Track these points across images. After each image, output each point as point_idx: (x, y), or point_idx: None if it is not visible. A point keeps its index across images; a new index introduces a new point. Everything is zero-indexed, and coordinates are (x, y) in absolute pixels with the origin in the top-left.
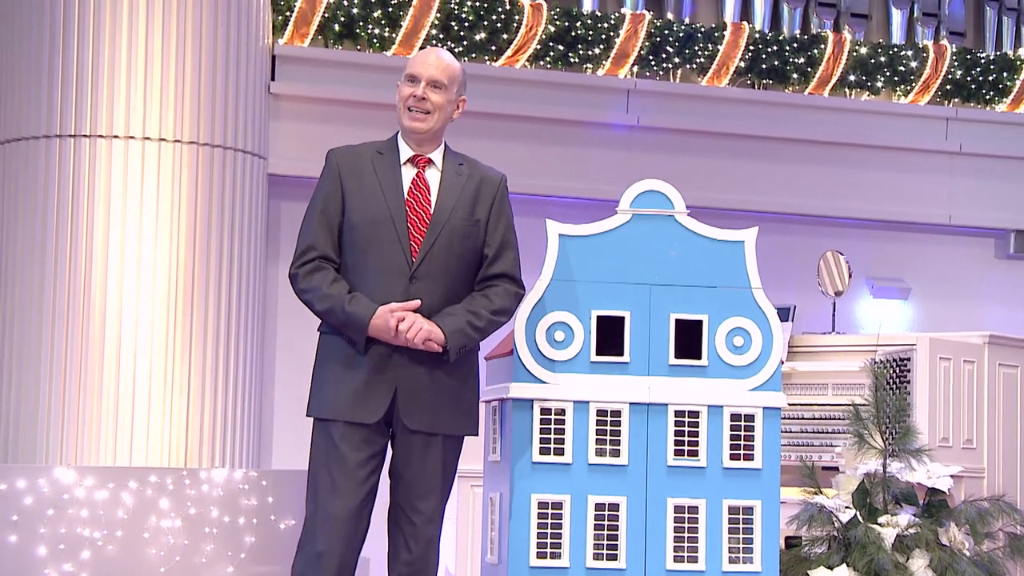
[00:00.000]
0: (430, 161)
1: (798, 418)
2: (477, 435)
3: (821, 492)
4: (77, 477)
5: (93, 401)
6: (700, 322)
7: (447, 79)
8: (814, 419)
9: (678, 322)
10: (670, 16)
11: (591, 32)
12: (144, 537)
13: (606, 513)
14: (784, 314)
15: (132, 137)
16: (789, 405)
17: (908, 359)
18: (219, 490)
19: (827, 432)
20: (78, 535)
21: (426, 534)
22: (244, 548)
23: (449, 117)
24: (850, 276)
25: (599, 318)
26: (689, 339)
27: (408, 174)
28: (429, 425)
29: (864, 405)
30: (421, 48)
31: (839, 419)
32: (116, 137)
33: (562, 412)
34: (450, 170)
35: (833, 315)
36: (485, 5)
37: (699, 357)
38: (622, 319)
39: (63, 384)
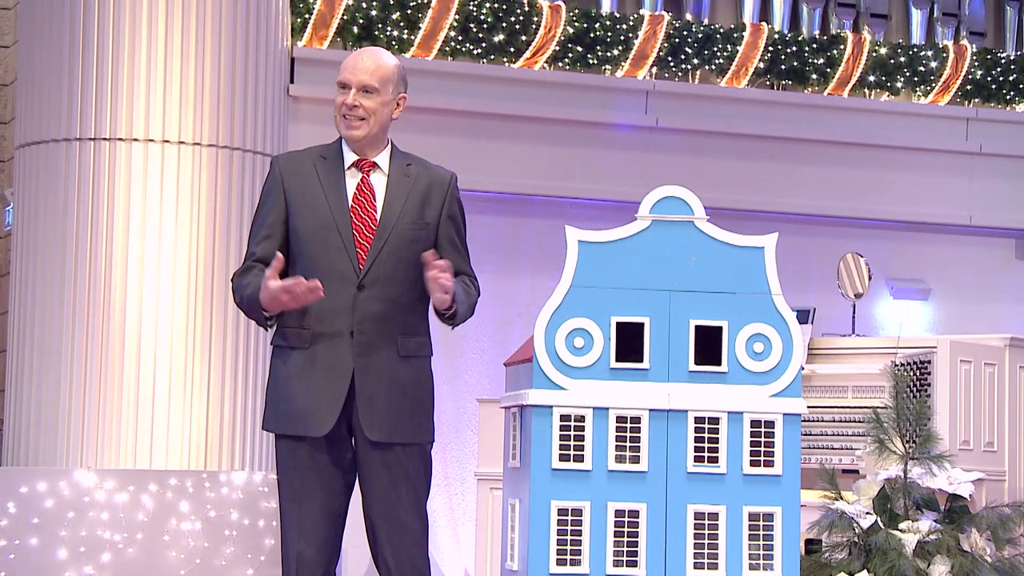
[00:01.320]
0: (375, 165)
1: (818, 420)
2: (433, 442)
3: (841, 497)
4: (97, 480)
5: (113, 404)
6: (720, 328)
7: (378, 82)
8: (834, 421)
9: (698, 328)
10: (689, 17)
11: (610, 33)
12: (164, 540)
13: (626, 520)
14: (804, 316)
15: (152, 140)
16: (809, 407)
17: (928, 362)
18: (239, 493)
19: (847, 435)
20: (98, 538)
21: (407, 542)
22: (264, 551)
23: (388, 118)
24: (870, 278)
25: (618, 324)
26: (709, 345)
27: (352, 180)
28: (388, 435)
29: (884, 408)
30: (440, 47)
31: (859, 422)
32: (136, 140)
33: (581, 419)
34: (397, 172)
35: (853, 317)
36: (504, 7)
37: (719, 363)
38: (642, 325)
39: (83, 387)
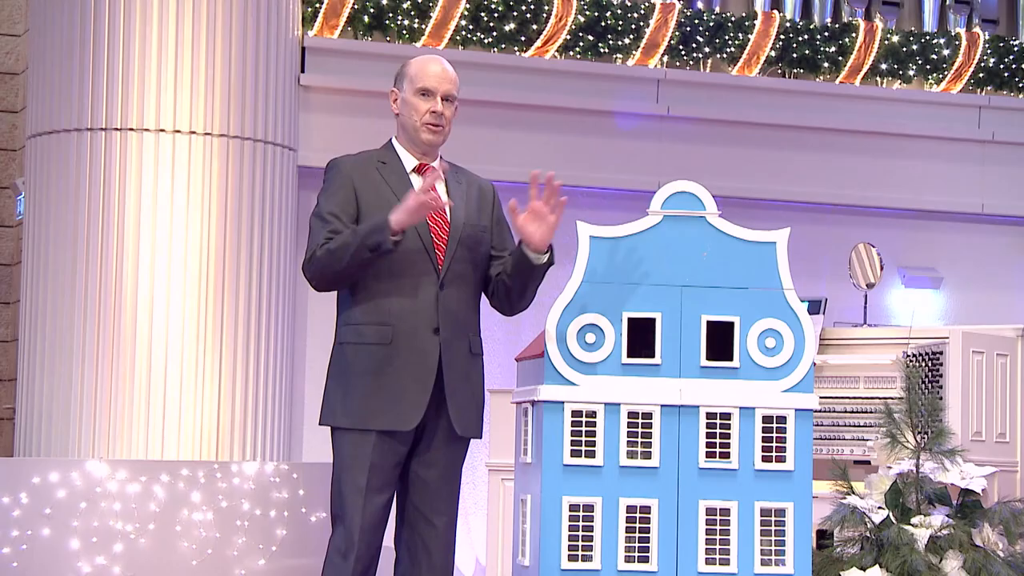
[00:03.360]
0: (433, 170)
1: (829, 411)
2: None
3: (853, 492)
4: (109, 470)
5: (125, 394)
6: (732, 324)
7: (456, 91)
8: (845, 412)
9: (710, 324)
10: (700, 5)
11: (621, 22)
12: (176, 530)
13: (637, 515)
14: (815, 306)
15: (163, 130)
16: (820, 398)
17: (941, 353)
18: (250, 483)
19: (859, 426)
20: (110, 528)
21: (447, 538)
22: (276, 541)
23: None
24: (882, 268)
25: (630, 320)
26: (721, 341)
27: (418, 183)
28: (465, 429)
29: (896, 399)
30: (451, 36)
31: (871, 412)
32: (147, 130)
33: (593, 414)
34: (451, 178)
35: (865, 307)
36: None
37: (731, 359)
38: (653, 321)
39: (95, 377)
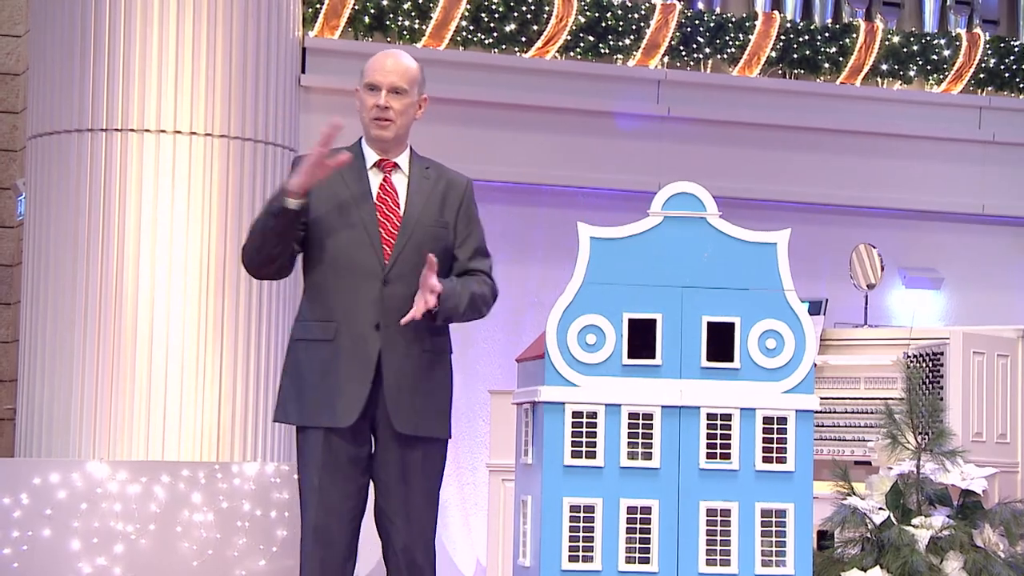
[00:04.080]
0: (396, 165)
1: (830, 412)
2: (450, 438)
3: (854, 493)
4: (110, 471)
5: (125, 395)
6: (732, 325)
7: (407, 83)
8: (846, 413)
9: (710, 325)
10: (701, 6)
11: (621, 23)
12: (177, 531)
13: (638, 516)
14: (816, 307)
15: (163, 131)
16: (821, 399)
17: (941, 353)
18: (251, 484)
19: (859, 426)
20: (111, 529)
21: (408, 539)
22: (276, 541)
23: (412, 119)
24: (882, 269)
25: (631, 321)
26: (721, 342)
27: (375, 178)
28: (414, 428)
29: (897, 400)
30: (452, 37)
31: (871, 413)
32: (147, 131)
33: (594, 415)
34: (417, 174)
35: (865, 307)
36: None
37: (731, 360)
38: (654, 322)
39: (96, 378)
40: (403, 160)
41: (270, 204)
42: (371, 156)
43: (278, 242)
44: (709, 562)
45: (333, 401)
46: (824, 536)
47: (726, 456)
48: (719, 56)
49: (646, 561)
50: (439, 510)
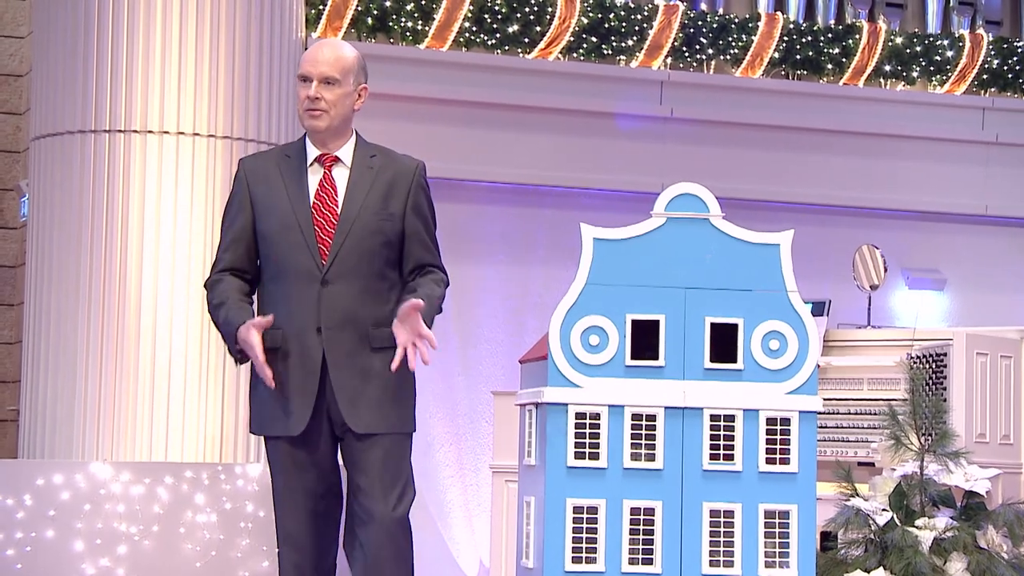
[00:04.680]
0: (337, 159)
1: (833, 413)
2: (415, 431)
3: (857, 494)
4: (113, 472)
5: (129, 396)
6: (735, 326)
7: (339, 73)
8: (849, 414)
9: (713, 326)
10: (704, 7)
11: (624, 24)
12: (180, 532)
13: (641, 518)
14: (819, 308)
15: (166, 132)
16: (824, 400)
17: (944, 354)
18: (254, 485)
19: (862, 428)
20: (115, 530)
21: (375, 539)
22: None
23: (350, 109)
24: (885, 270)
25: (634, 322)
26: (724, 343)
27: (315, 176)
28: (367, 426)
29: (900, 401)
30: (455, 38)
31: (875, 414)
32: (150, 132)
33: (597, 416)
34: (360, 164)
35: (868, 308)
36: None
37: (734, 361)
38: (657, 323)
39: (99, 379)
40: (345, 152)
41: (225, 338)
42: (312, 152)
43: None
44: (712, 563)
45: (285, 410)
46: (827, 537)
47: (729, 457)
48: (722, 57)
49: (649, 562)
50: (412, 502)
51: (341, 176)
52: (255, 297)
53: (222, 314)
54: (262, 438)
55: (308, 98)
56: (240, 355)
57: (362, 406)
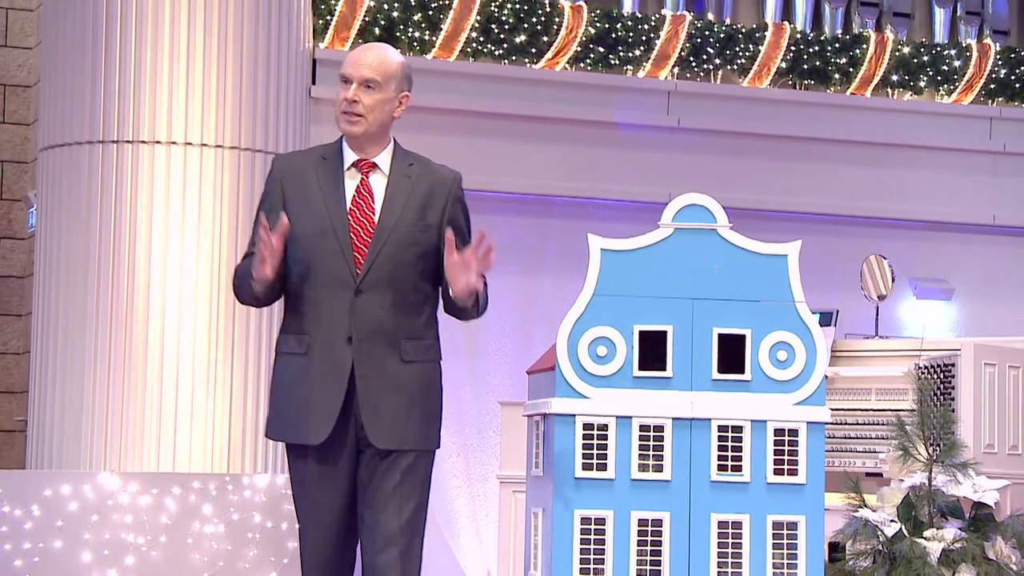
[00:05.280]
0: (375, 166)
1: (841, 424)
2: (439, 448)
3: (865, 505)
4: (121, 483)
5: (136, 407)
6: (743, 336)
7: (381, 77)
8: (857, 425)
9: (721, 336)
10: (711, 17)
11: (631, 34)
12: (188, 543)
13: (649, 529)
14: (827, 318)
15: (174, 143)
16: (832, 410)
17: (952, 365)
18: (262, 495)
19: (870, 438)
20: (122, 541)
21: (386, 558)
22: (287, 553)
23: (389, 116)
24: (893, 280)
25: (641, 333)
26: (732, 353)
27: (351, 181)
28: (389, 441)
29: (908, 412)
30: (462, 48)
31: (882, 425)
32: (158, 143)
33: (604, 427)
34: (398, 173)
35: (876, 319)
36: (525, 7)
37: (742, 372)
38: (665, 334)
39: (107, 390)
40: (383, 159)
41: (244, 274)
42: (349, 156)
43: (266, 296)
44: (720, 574)
45: (306, 418)
46: (835, 548)
47: (737, 468)
48: (729, 67)
49: (657, 574)
50: (425, 523)
51: (378, 183)
52: (280, 300)
53: (242, 266)
54: (284, 450)
55: (346, 100)
56: (258, 284)
57: (387, 420)
